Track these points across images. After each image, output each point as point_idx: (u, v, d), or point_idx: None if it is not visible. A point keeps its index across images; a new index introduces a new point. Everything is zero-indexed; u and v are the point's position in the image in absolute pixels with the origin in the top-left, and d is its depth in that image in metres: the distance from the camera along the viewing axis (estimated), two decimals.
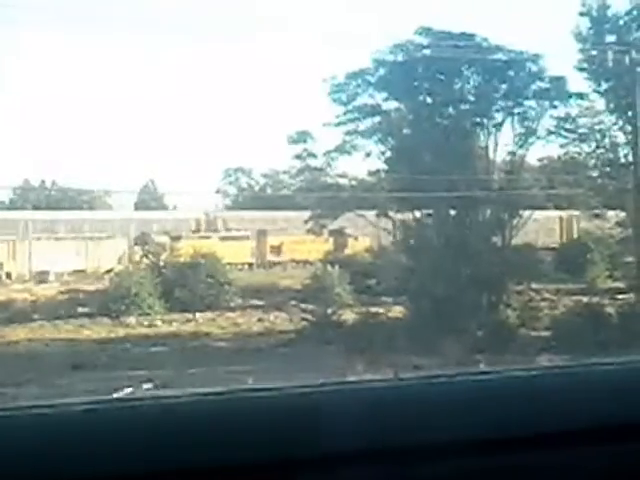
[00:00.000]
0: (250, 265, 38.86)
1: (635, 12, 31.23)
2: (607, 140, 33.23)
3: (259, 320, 32.13)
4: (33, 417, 1.58)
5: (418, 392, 1.75)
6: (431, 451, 1.61)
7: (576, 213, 36.45)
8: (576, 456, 1.67)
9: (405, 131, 32.44)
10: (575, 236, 37.62)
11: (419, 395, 1.73)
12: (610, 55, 31.34)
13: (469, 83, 32.36)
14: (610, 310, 30.28)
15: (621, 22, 31.27)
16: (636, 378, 1.85)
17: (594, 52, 31.72)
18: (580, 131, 33.11)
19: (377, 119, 32.72)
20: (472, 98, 32.19)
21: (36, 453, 1.50)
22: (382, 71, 32.30)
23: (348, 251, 37.13)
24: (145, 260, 35.51)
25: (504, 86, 31.98)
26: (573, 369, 1.92)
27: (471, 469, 1.63)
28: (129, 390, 19.24)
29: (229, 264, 34.98)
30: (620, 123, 32.11)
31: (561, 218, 39.25)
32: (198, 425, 1.59)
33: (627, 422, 1.71)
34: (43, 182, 54.57)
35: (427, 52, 31.60)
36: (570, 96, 32.50)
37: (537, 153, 34.40)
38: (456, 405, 1.69)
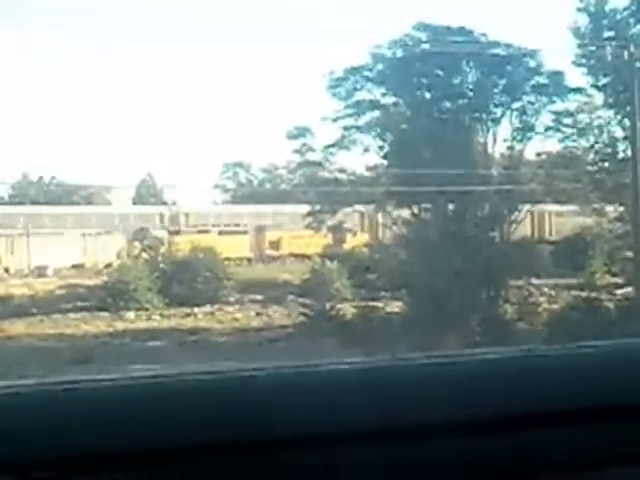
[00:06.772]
0: (249, 260, 38.85)
1: (633, 7, 31.19)
2: (605, 135, 33.20)
3: (258, 314, 32.11)
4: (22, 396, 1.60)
5: (416, 372, 1.77)
6: (429, 431, 1.64)
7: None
8: (574, 433, 1.70)
9: (403, 126, 32.36)
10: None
11: (417, 375, 1.75)
12: (608, 50, 31.30)
13: (467, 78, 32.31)
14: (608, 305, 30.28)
15: (619, 17, 31.24)
16: (623, 359, 1.89)
17: (592, 47, 31.67)
18: (578, 126, 33.07)
19: (376, 114, 32.65)
20: (470, 93, 32.13)
21: (24, 432, 1.52)
22: (381, 66, 32.23)
23: (347, 246, 37.09)
24: (144, 255, 35.51)
25: (502, 81, 31.91)
26: (566, 350, 1.95)
27: (469, 448, 1.66)
28: None
29: (227, 259, 34.95)
30: (618, 118, 32.07)
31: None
32: (201, 404, 1.61)
33: (614, 402, 1.74)
34: (41, 177, 54.64)
35: (425, 47, 31.55)
36: (568, 91, 32.48)
37: (535, 148, 34.29)
38: (454, 385, 1.71)
